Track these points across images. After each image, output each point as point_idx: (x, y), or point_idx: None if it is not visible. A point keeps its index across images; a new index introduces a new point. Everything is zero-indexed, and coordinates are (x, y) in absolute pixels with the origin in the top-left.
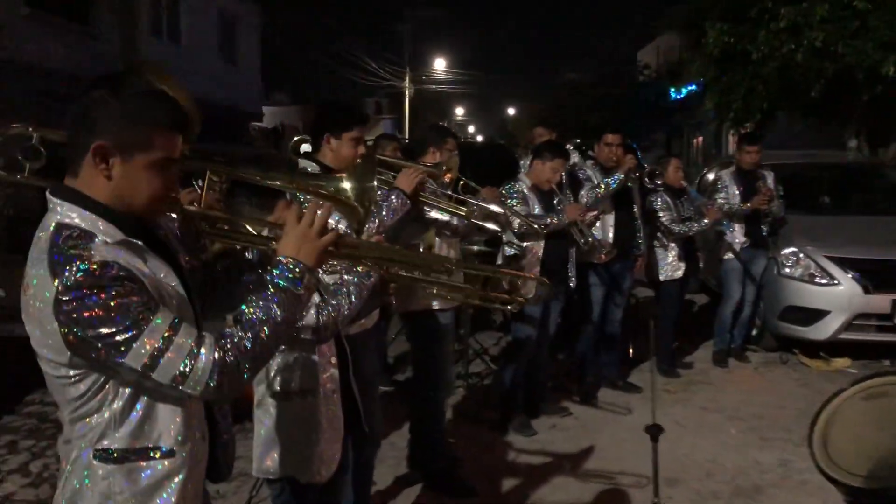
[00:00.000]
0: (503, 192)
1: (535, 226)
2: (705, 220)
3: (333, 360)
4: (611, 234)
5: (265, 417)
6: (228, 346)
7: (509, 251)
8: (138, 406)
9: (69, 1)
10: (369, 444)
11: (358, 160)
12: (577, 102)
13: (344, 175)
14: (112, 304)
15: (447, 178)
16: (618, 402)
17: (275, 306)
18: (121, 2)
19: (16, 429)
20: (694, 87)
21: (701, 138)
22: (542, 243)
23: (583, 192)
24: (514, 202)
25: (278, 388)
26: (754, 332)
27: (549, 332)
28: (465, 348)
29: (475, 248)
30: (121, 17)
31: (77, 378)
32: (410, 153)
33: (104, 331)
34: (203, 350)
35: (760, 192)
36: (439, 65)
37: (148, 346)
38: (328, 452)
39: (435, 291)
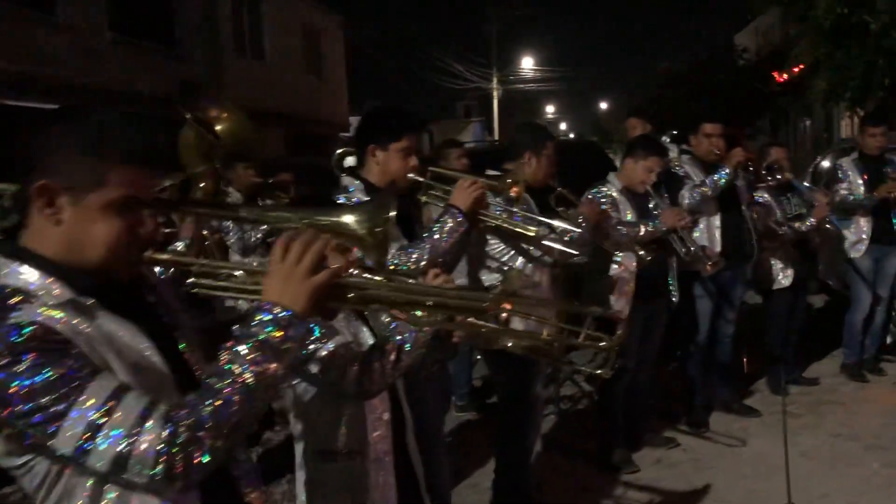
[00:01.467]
0: (589, 196)
1: (623, 236)
2: (811, 220)
3: (386, 415)
4: (718, 239)
5: (306, 481)
6: (184, 417)
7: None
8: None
9: (153, 25)
10: None
11: (409, 175)
12: (673, 93)
13: (351, 206)
14: (34, 374)
15: (514, 191)
16: (733, 430)
17: (246, 364)
18: (204, 22)
19: None
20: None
21: (809, 122)
22: (633, 255)
23: (683, 192)
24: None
25: (320, 446)
26: (889, 341)
27: (650, 355)
28: (556, 369)
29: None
30: (204, 38)
31: (26, 467)
32: (500, 157)
33: (25, 408)
34: (148, 424)
35: (889, 179)
36: (527, 63)
37: (79, 425)
38: None
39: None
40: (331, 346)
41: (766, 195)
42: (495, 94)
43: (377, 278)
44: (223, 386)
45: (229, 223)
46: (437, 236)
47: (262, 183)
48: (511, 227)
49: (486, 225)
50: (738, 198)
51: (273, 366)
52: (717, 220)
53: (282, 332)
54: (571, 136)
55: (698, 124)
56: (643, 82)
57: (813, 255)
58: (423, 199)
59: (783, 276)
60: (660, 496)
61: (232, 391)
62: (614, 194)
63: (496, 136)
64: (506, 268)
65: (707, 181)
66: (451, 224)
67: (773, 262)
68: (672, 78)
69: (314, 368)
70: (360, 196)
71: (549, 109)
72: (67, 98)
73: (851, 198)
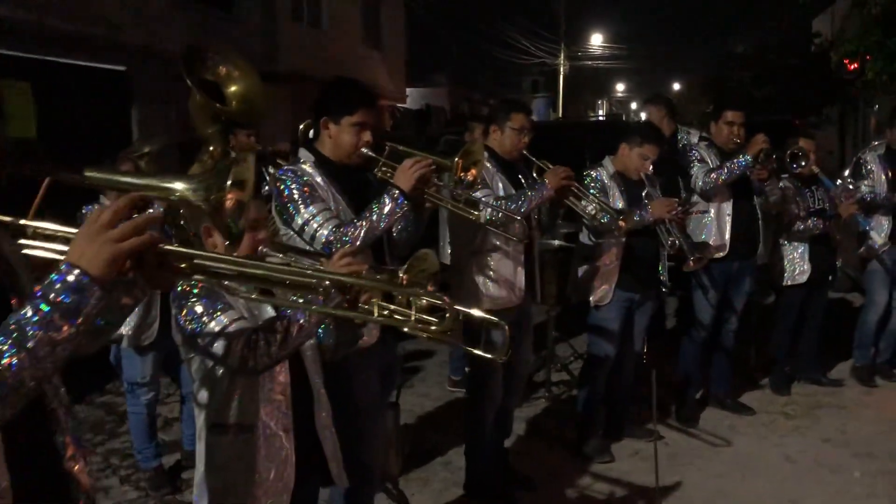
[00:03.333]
0: (585, 180)
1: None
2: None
3: (281, 393)
4: (728, 228)
5: (204, 451)
6: None
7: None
8: None
9: None
10: (360, 482)
11: (362, 150)
12: (737, 76)
13: (191, 175)
14: None
15: (471, 175)
16: (721, 427)
17: (32, 327)
18: None
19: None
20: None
21: (875, 111)
22: (620, 242)
23: (697, 174)
24: (592, 193)
25: (214, 419)
26: None
27: (635, 345)
28: (549, 354)
29: (556, 242)
30: (262, 3)
31: None
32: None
33: None
34: None
35: None
36: (596, 40)
37: None
38: (271, 498)
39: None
40: (224, 319)
41: (788, 183)
42: (562, 69)
43: (211, 253)
44: (4, 348)
45: None
46: (374, 217)
47: (261, 151)
48: (457, 210)
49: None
50: (752, 187)
51: (59, 331)
52: (728, 208)
53: (70, 296)
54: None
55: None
56: (717, 63)
57: (833, 252)
58: (379, 175)
59: (799, 272)
60: (625, 489)
61: (11, 354)
62: (604, 178)
63: (560, 114)
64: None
65: (725, 167)
66: (389, 205)
67: (788, 257)
68: (738, 59)
69: (207, 343)
70: (309, 169)
71: (620, 88)
72: (125, 60)
73: (870, 196)
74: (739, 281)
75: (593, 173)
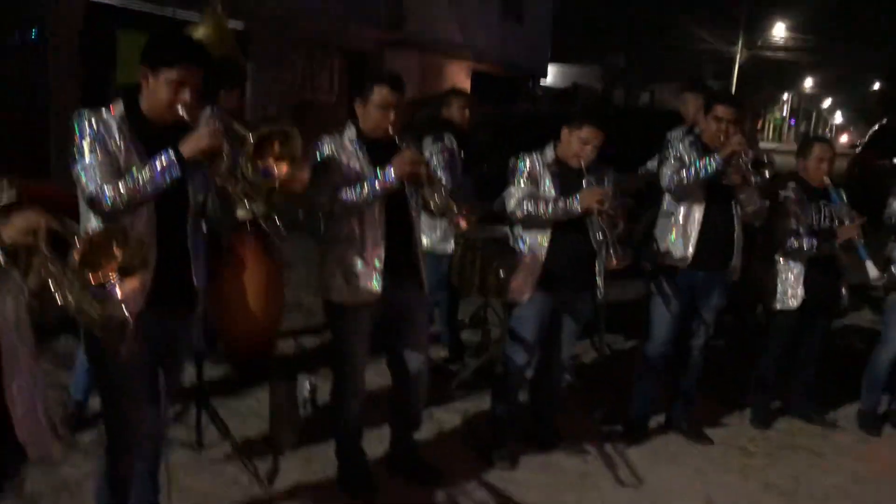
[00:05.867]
0: (511, 165)
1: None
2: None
3: None
4: (692, 235)
5: None
6: None
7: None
8: None
9: None
10: None
11: (178, 110)
12: None
13: None
14: None
15: (282, 170)
16: (656, 454)
17: None
18: None
19: None
20: None
21: None
22: (545, 236)
23: (665, 170)
24: (518, 180)
25: None
26: None
27: (563, 351)
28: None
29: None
30: None
31: None
32: None
33: None
34: None
35: None
36: (779, 30)
37: None
38: None
39: None
40: None
41: (792, 193)
42: (738, 57)
43: None
44: None
45: None
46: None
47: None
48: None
49: None
50: (730, 192)
51: None
52: (697, 213)
53: None
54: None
55: (713, 104)
56: None
57: (839, 276)
58: None
59: (791, 296)
60: (503, 500)
61: None
62: (537, 167)
63: None
64: None
65: (692, 167)
66: (157, 167)
67: (781, 277)
68: None
69: None
70: (110, 120)
71: (808, 83)
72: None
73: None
74: (706, 293)
75: (523, 160)
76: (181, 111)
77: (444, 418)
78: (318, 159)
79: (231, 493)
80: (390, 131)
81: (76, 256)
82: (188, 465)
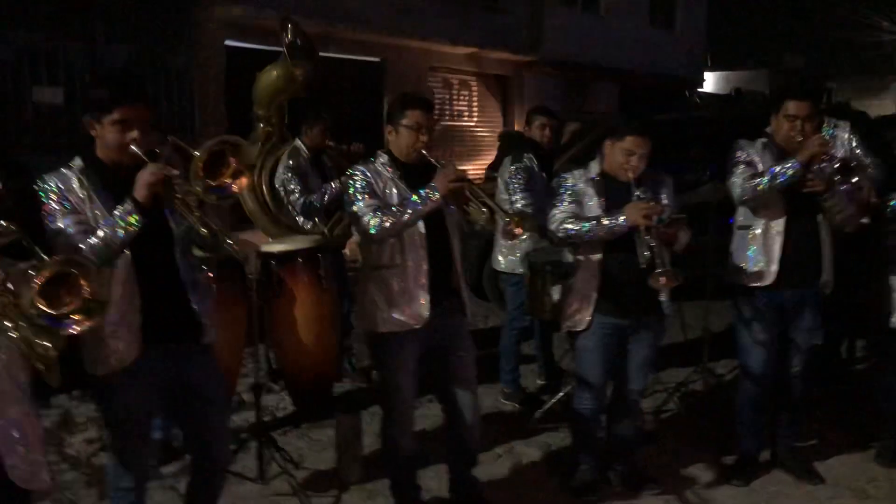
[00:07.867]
0: (554, 184)
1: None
2: None
3: None
4: (776, 250)
5: None
6: None
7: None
8: None
9: None
10: None
11: (130, 148)
12: None
13: None
14: None
15: (236, 186)
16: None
17: None
18: None
19: None
20: None
21: None
22: (597, 255)
23: (734, 179)
24: (560, 199)
25: None
26: None
27: (630, 383)
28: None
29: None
30: None
31: None
32: None
33: None
34: None
35: None
36: None
37: None
38: None
39: None
40: None
41: None
42: None
43: None
44: None
45: (293, 185)
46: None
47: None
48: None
49: None
50: (814, 200)
51: None
52: (778, 225)
53: None
54: None
55: (783, 100)
56: None
57: None
58: None
59: None
60: None
61: None
62: (580, 183)
63: None
64: None
65: (768, 173)
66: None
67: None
68: None
69: None
70: (69, 174)
71: None
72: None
73: None
74: (796, 315)
75: (567, 179)
76: (134, 149)
77: (524, 452)
78: (359, 187)
79: None
80: (424, 153)
81: (35, 284)
82: (248, 495)
